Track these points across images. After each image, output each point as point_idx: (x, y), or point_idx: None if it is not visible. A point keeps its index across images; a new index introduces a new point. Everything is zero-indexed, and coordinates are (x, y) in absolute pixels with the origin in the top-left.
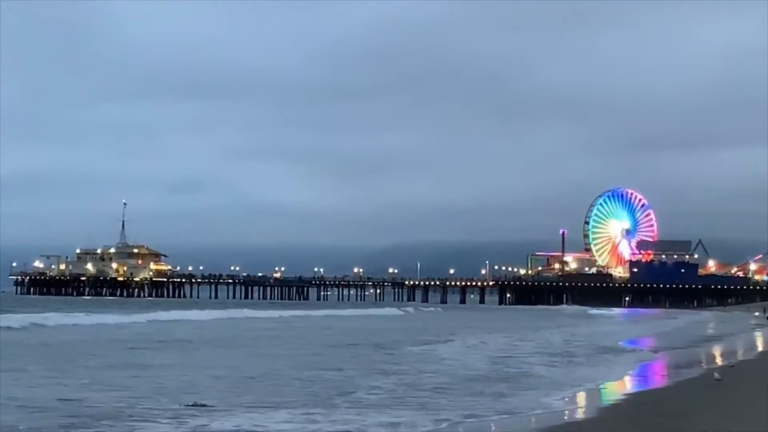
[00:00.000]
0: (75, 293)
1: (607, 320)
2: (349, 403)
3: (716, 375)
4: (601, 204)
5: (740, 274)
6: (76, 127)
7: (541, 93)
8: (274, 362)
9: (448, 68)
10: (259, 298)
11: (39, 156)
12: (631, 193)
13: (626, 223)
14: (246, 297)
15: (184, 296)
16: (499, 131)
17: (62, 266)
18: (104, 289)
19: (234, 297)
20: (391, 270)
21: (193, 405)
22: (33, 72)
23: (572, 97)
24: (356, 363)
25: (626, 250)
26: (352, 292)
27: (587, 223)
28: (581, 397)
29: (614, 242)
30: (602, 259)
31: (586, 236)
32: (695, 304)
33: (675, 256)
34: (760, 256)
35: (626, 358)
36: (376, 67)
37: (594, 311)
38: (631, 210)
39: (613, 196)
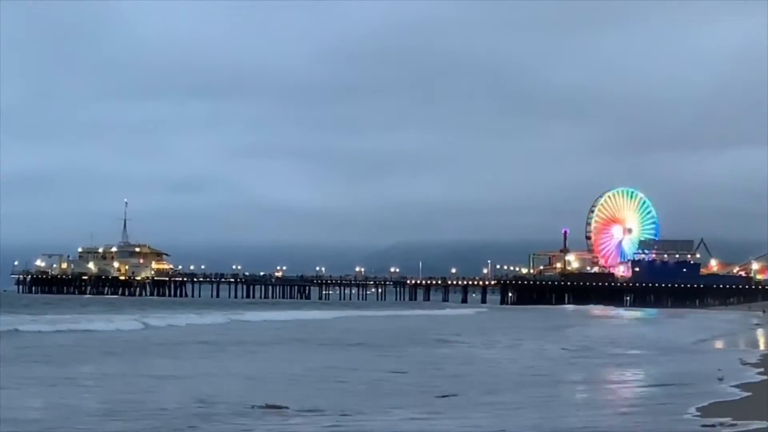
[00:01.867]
0: (77, 292)
1: (627, 321)
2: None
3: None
4: (603, 203)
5: (742, 273)
6: (78, 126)
7: (545, 93)
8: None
9: (452, 68)
10: (260, 298)
11: (41, 154)
12: (633, 193)
13: (628, 222)
14: (248, 296)
15: (186, 295)
16: (501, 131)
17: (64, 265)
18: (106, 288)
19: (236, 296)
20: (392, 269)
21: (265, 406)
22: (34, 71)
23: (575, 96)
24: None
25: (628, 250)
26: (353, 291)
27: (589, 222)
28: (752, 386)
29: (616, 241)
30: (604, 258)
31: (588, 236)
32: (697, 304)
33: (677, 256)
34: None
35: (716, 353)
36: (380, 66)
37: (613, 311)
38: (633, 209)
39: (615, 195)
